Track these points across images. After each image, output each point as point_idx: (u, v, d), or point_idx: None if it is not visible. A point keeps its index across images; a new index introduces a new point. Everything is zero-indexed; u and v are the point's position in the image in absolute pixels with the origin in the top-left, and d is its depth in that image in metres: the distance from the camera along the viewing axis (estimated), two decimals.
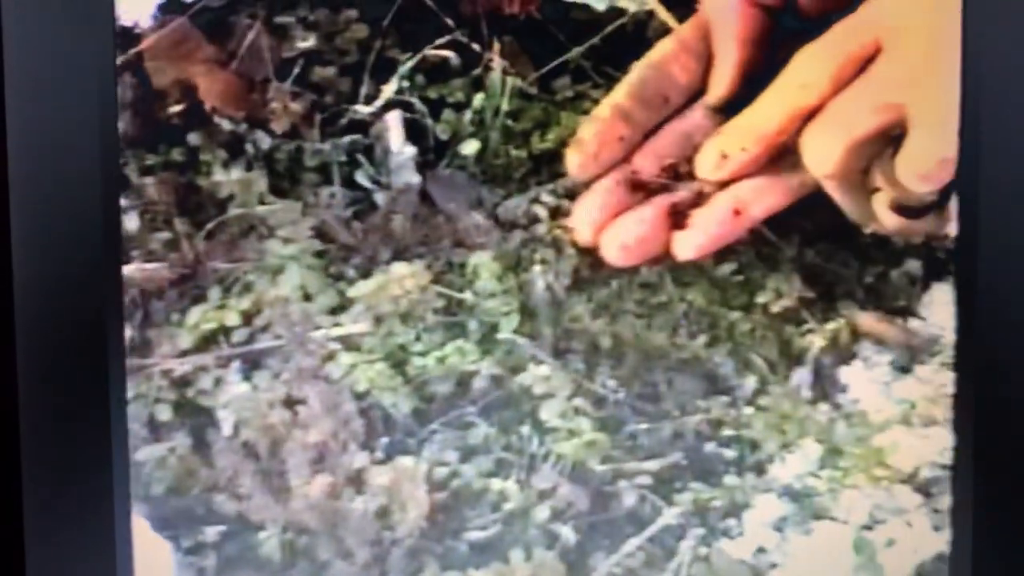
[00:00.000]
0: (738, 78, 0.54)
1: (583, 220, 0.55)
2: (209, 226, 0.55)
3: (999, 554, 0.55)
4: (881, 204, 0.54)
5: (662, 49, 0.54)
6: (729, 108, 0.54)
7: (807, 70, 0.53)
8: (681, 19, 0.54)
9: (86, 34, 0.53)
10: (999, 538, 0.55)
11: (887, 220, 0.54)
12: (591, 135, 0.54)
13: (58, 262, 0.53)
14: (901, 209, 0.54)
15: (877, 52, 0.52)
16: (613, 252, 0.55)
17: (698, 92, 0.55)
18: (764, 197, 0.54)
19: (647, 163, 0.55)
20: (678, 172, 0.55)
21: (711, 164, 0.54)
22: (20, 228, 0.52)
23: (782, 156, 0.54)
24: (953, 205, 0.54)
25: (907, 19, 0.52)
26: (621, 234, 0.55)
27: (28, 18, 0.52)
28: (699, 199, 0.55)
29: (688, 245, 0.55)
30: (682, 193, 0.55)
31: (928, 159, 0.53)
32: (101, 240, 0.53)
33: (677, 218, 0.55)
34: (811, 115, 0.53)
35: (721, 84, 0.54)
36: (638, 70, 0.54)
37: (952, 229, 0.54)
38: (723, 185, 0.55)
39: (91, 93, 0.53)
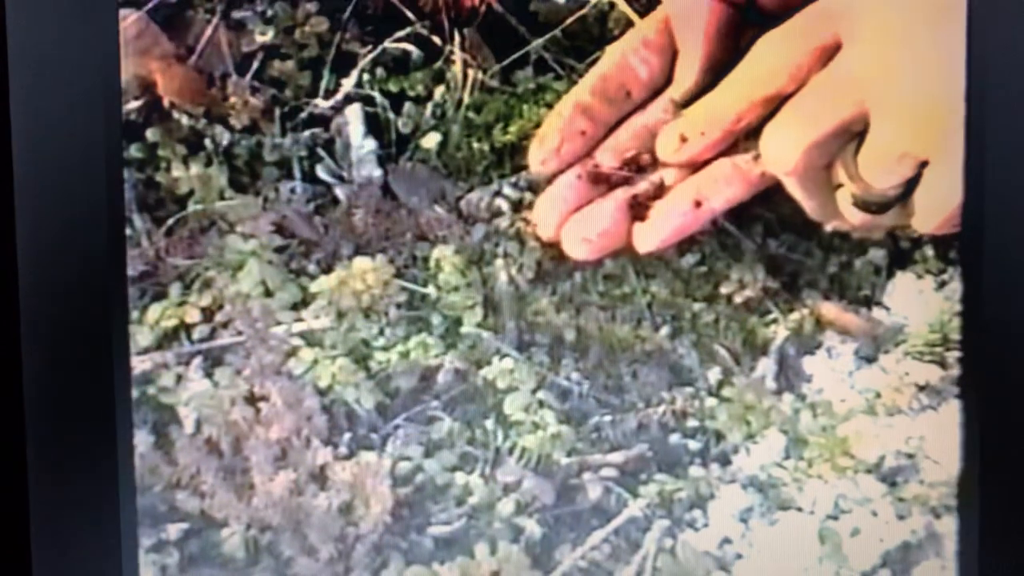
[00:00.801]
0: (704, 72, 0.54)
1: (545, 215, 0.55)
2: (169, 222, 0.55)
3: (1008, 549, 0.55)
4: (844, 200, 0.54)
5: (623, 44, 0.54)
6: (693, 101, 0.54)
7: (767, 58, 0.53)
8: (641, 11, 0.54)
9: (90, 28, 0.52)
10: (1007, 535, 0.55)
11: (850, 216, 0.54)
12: (552, 130, 0.54)
13: (63, 262, 0.53)
14: (864, 205, 0.54)
15: (837, 47, 0.52)
16: (574, 246, 0.55)
17: (660, 86, 0.55)
18: (724, 189, 0.54)
19: (609, 157, 0.55)
20: (639, 165, 0.55)
21: (670, 147, 0.54)
22: (24, 228, 0.52)
23: (741, 145, 0.54)
24: (919, 197, 0.54)
25: (866, 13, 0.52)
26: (582, 228, 0.55)
27: (31, 16, 0.52)
28: (659, 191, 0.55)
29: (648, 237, 0.55)
30: (642, 185, 0.55)
31: (890, 153, 0.53)
32: (105, 239, 0.53)
33: (637, 210, 0.55)
34: (770, 103, 0.53)
35: (687, 78, 0.54)
36: (599, 65, 0.54)
37: (915, 223, 0.54)
38: (683, 176, 0.55)
39: (95, 87, 0.52)
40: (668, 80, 0.54)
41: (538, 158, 0.55)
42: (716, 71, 0.53)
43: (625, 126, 0.55)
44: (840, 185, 0.54)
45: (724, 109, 0.53)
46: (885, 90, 0.52)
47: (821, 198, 0.54)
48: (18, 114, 0.52)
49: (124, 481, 0.54)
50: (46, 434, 0.53)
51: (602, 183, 0.55)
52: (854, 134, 0.53)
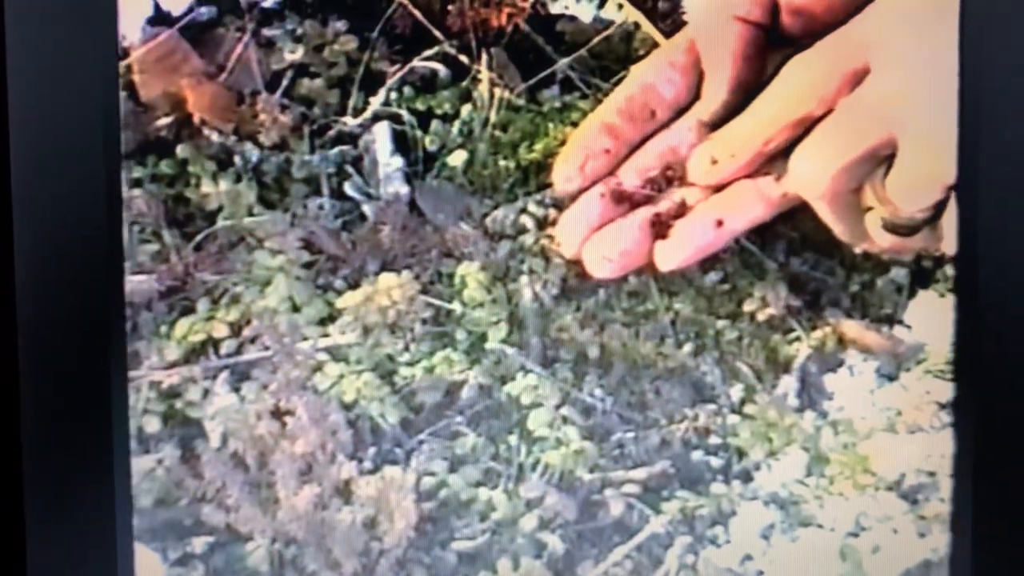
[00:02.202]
0: (732, 92, 0.54)
1: (567, 233, 0.56)
2: (198, 238, 0.55)
3: (999, 560, 0.55)
4: (873, 223, 0.54)
5: (649, 64, 0.55)
6: (722, 122, 0.55)
7: (796, 81, 0.53)
8: (667, 31, 0.55)
9: (89, 45, 0.53)
10: (999, 544, 0.55)
11: (880, 239, 0.54)
12: (577, 147, 0.55)
13: (61, 273, 0.53)
14: (893, 228, 0.54)
15: (865, 72, 0.53)
16: (596, 264, 0.55)
17: (684, 106, 0.55)
18: (746, 209, 0.55)
19: (632, 176, 0.55)
20: (662, 183, 0.55)
21: (701, 169, 0.55)
22: (23, 238, 0.52)
23: (768, 167, 0.54)
24: (947, 220, 0.54)
25: (896, 38, 0.53)
26: (604, 246, 0.55)
27: (31, 27, 0.52)
28: (681, 210, 0.55)
29: (670, 256, 0.55)
30: (664, 204, 0.55)
31: (920, 178, 0.53)
32: (104, 251, 0.53)
33: (659, 228, 0.55)
34: (799, 125, 0.54)
35: (715, 99, 0.54)
36: (624, 85, 0.55)
37: (944, 246, 0.55)
38: (705, 196, 0.55)
39: (94, 102, 0.53)
40: (692, 100, 0.55)
41: (562, 175, 0.55)
42: (744, 92, 0.54)
43: (649, 145, 0.55)
44: (870, 208, 0.54)
45: (754, 131, 0.54)
46: (913, 115, 0.52)
47: (851, 221, 0.54)
48: (17, 124, 0.52)
49: (121, 495, 0.54)
50: (43, 445, 0.54)
51: (625, 202, 0.56)
52: (883, 158, 0.53)
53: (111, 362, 0.54)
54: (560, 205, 0.56)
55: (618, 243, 0.55)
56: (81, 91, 0.53)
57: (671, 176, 0.55)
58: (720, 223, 0.55)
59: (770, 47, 0.54)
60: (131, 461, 0.55)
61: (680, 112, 0.55)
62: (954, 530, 0.56)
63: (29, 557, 0.54)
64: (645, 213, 0.55)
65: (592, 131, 0.55)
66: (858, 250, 0.55)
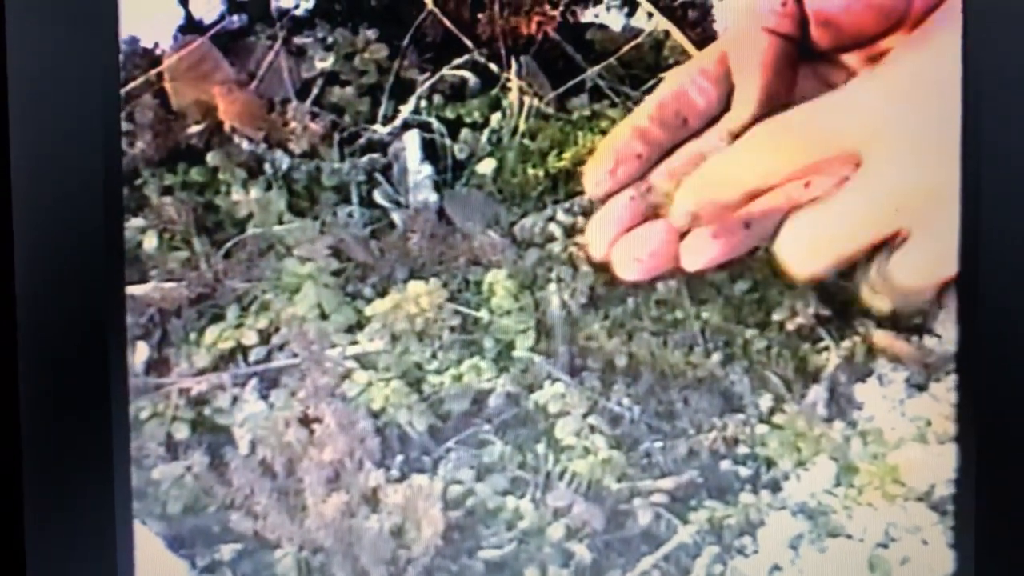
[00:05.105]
0: (761, 104, 0.54)
1: (596, 234, 0.56)
2: (227, 245, 0.55)
3: (1004, 570, 0.55)
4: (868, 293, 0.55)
5: (682, 72, 0.55)
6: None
7: (770, 149, 0.54)
8: (696, 39, 0.55)
9: (91, 53, 0.53)
10: (1003, 554, 0.55)
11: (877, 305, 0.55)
12: (609, 151, 0.55)
13: (61, 274, 0.53)
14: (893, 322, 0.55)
15: (856, 165, 0.53)
16: (624, 266, 0.55)
17: (716, 115, 0.55)
18: (774, 212, 0.55)
19: (662, 180, 0.56)
20: None
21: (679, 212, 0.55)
22: (23, 239, 0.53)
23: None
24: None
25: (895, 126, 0.53)
26: (632, 248, 0.55)
27: (32, 34, 0.52)
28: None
29: (697, 256, 0.55)
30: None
31: (925, 269, 0.54)
32: (103, 259, 0.53)
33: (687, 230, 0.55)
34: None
35: (745, 110, 0.54)
36: (658, 91, 0.55)
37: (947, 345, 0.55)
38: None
39: (96, 111, 0.53)
40: (724, 110, 0.55)
41: (593, 179, 0.55)
42: (773, 103, 0.54)
43: (680, 152, 0.55)
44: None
45: (720, 188, 0.55)
46: (922, 207, 0.53)
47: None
48: (17, 124, 0.52)
49: (121, 502, 0.54)
50: (44, 452, 0.54)
51: (653, 205, 0.55)
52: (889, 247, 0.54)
53: (111, 362, 0.54)
54: (588, 212, 0.56)
55: (646, 245, 0.55)
56: (82, 91, 0.53)
57: None
58: (747, 225, 0.55)
59: (798, 60, 0.54)
60: (159, 468, 0.56)
61: (712, 121, 0.55)
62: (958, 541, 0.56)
63: (28, 557, 0.54)
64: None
65: (624, 136, 0.55)
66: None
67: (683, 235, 0.55)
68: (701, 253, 0.55)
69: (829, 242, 0.54)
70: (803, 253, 0.55)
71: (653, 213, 0.56)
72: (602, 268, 0.56)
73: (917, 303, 0.55)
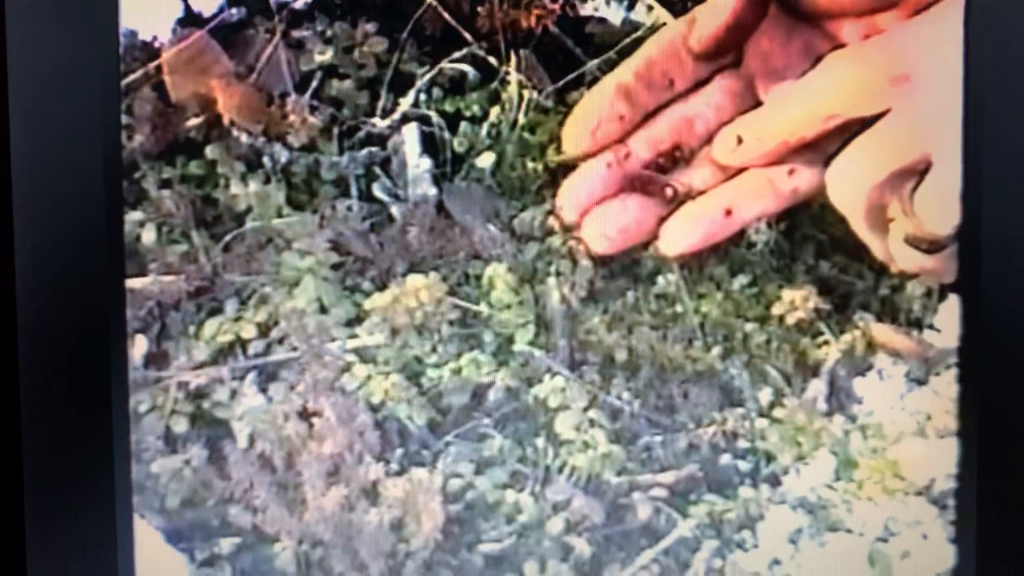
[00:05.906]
0: (723, 29, 0.54)
1: (569, 198, 0.55)
2: (226, 239, 0.55)
3: (1005, 565, 0.55)
4: (896, 238, 0.54)
5: (671, 32, 0.54)
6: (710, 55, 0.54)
7: (832, 77, 0.53)
8: None
9: (91, 46, 0.53)
10: (1004, 549, 0.55)
11: (900, 258, 0.54)
12: (591, 109, 0.55)
13: (61, 274, 0.53)
14: (915, 243, 0.54)
15: (904, 79, 0.53)
16: (595, 239, 0.55)
17: (704, 79, 0.55)
18: (756, 200, 0.55)
19: (643, 146, 0.55)
20: (673, 158, 0.55)
21: (726, 148, 0.54)
22: (23, 240, 0.53)
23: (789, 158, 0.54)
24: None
25: (938, 52, 0.53)
26: (604, 221, 0.55)
27: (32, 28, 0.52)
28: (690, 195, 0.55)
29: (677, 241, 0.55)
30: (673, 187, 0.55)
31: (948, 195, 0.53)
32: (105, 252, 0.53)
33: (666, 209, 0.55)
34: (829, 120, 0.53)
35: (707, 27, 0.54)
36: (645, 50, 0.54)
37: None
38: (716, 183, 0.55)
39: (96, 105, 0.53)
40: (712, 75, 0.54)
41: (572, 136, 0.55)
42: (739, 34, 0.53)
43: (664, 115, 0.55)
44: (892, 219, 0.54)
45: (784, 120, 0.54)
46: (949, 134, 0.52)
47: (878, 236, 0.54)
48: (17, 124, 0.52)
49: (121, 495, 0.54)
50: (44, 447, 0.54)
51: (631, 176, 0.55)
52: (915, 173, 0.53)
53: (111, 356, 0.54)
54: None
55: (619, 220, 0.55)
56: (82, 91, 0.53)
57: (678, 157, 0.55)
58: (729, 212, 0.55)
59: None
60: (158, 461, 0.56)
61: (699, 84, 0.55)
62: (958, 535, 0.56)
63: (29, 550, 0.54)
64: (651, 192, 0.55)
65: (608, 95, 0.54)
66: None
67: (663, 218, 0.55)
68: (681, 238, 0.55)
69: (869, 170, 0.53)
70: (849, 189, 0.54)
71: (629, 186, 0.55)
72: (570, 230, 0.55)
73: (934, 234, 0.54)
